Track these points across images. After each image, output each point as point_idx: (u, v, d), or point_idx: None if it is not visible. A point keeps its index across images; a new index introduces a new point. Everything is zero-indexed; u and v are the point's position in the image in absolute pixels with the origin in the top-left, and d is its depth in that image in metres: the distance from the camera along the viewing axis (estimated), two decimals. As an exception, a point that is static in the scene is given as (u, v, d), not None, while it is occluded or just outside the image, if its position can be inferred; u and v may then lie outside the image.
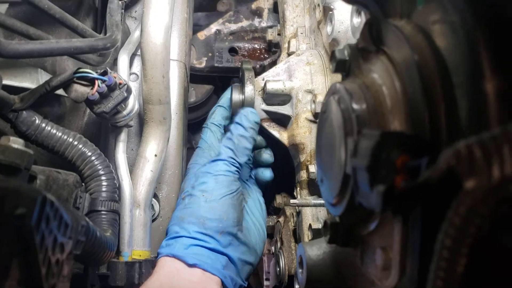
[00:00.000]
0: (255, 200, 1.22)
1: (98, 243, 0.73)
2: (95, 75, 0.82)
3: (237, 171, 1.11)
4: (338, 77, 1.10)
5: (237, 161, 1.11)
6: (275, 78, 1.17)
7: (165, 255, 1.00)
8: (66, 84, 0.82)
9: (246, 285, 1.10)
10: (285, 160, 1.46)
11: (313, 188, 1.14)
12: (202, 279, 0.98)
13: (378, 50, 0.56)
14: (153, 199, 1.10)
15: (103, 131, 1.12)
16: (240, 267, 1.06)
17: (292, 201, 1.02)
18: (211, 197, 1.06)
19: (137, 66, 1.16)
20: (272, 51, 1.60)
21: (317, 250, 0.74)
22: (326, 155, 0.61)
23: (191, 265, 0.99)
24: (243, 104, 1.20)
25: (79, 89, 0.82)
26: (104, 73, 0.84)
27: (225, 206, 1.06)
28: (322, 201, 0.99)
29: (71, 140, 0.86)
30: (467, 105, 0.43)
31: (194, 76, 1.56)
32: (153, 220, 1.12)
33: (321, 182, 0.63)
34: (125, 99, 0.87)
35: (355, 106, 0.53)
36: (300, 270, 0.77)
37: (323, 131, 0.63)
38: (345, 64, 0.59)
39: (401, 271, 0.50)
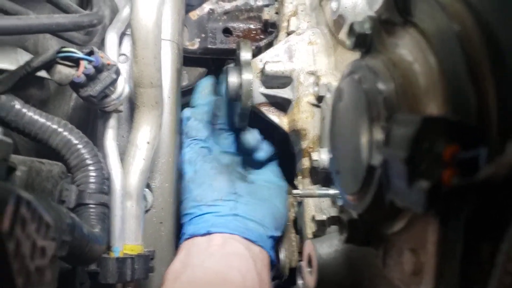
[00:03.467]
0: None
1: (86, 241, 0.66)
2: (80, 54, 0.74)
3: (202, 146, 1.17)
4: (343, 58, 1.04)
5: (196, 138, 1.18)
6: (275, 59, 1.09)
7: (182, 242, 1.07)
8: (49, 65, 0.74)
9: (279, 235, 1.15)
10: (283, 147, 1.39)
11: (316, 176, 1.07)
12: (221, 242, 1.02)
13: (406, 22, 0.48)
14: (146, 189, 1.03)
15: (91, 117, 1.04)
16: (258, 219, 1.08)
17: (294, 191, 0.95)
18: (195, 179, 1.12)
19: (126, 47, 1.07)
20: (268, 32, 1.51)
21: (328, 247, 0.68)
22: (344, 144, 0.54)
23: (205, 234, 1.04)
24: (240, 87, 1.12)
25: (63, 71, 0.74)
26: (91, 53, 0.76)
27: (211, 177, 1.11)
28: (327, 191, 0.93)
29: (55, 126, 0.78)
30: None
31: (186, 59, 1.47)
32: (146, 212, 1.04)
33: (337, 174, 0.56)
34: (114, 82, 0.79)
35: (381, 86, 0.46)
36: (309, 269, 0.70)
37: (339, 116, 0.56)
38: (366, 39, 0.52)
39: (437, 277, 0.43)
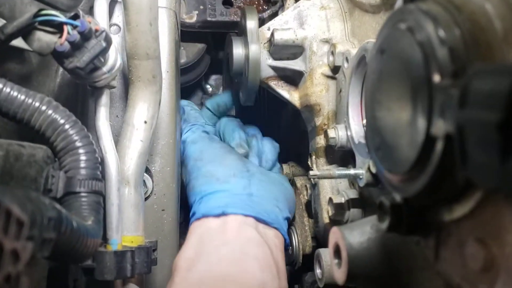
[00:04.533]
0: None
1: (76, 237, 0.56)
2: (63, 18, 0.64)
3: (204, 131, 1.13)
4: (361, 22, 0.93)
5: (196, 124, 1.14)
6: (284, 27, 0.99)
7: (192, 222, 0.99)
8: (26, 32, 0.63)
9: (290, 217, 1.09)
10: (292, 124, 1.29)
11: (332, 156, 0.98)
12: (235, 227, 0.95)
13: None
14: (145, 174, 0.93)
15: (81, 95, 0.94)
16: (272, 200, 1.02)
17: (311, 172, 0.85)
18: (203, 158, 1.05)
19: (118, 16, 0.97)
20: (272, 2, 1.41)
21: (359, 236, 0.58)
22: (387, 112, 0.44)
23: (219, 215, 0.96)
24: (246, 59, 1.02)
25: (43, 38, 0.64)
26: (75, 17, 0.65)
27: (221, 155, 1.05)
28: (348, 171, 0.83)
29: (37, 104, 0.67)
30: None
31: (183, 33, 1.36)
32: (146, 199, 0.95)
33: (377, 150, 0.46)
34: (104, 51, 0.69)
35: (444, 34, 0.36)
36: (336, 261, 0.61)
37: (379, 79, 0.46)
38: (414, -21, 0.41)
39: (520, 276, 0.34)
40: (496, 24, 0.34)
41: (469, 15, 0.36)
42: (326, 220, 0.98)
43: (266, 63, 1.02)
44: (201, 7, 1.39)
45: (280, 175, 1.14)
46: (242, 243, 0.92)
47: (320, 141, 0.98)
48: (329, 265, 0.84)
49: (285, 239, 1.04)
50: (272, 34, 0.97)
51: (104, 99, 0.81)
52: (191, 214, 1.01)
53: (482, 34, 0.35)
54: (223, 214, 0.96)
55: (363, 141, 0.83)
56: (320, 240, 1.07)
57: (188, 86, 1.52)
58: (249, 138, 1.14)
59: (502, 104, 0.26)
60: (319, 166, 1.00)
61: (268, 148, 1.14)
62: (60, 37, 0.64)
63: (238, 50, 1.02)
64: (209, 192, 0.99)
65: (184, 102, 1.20)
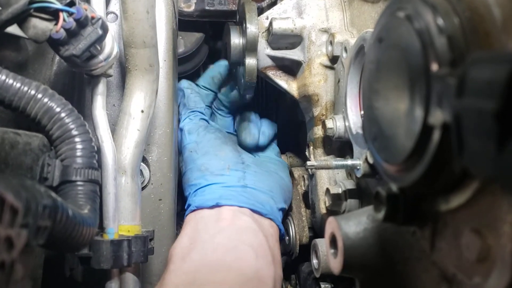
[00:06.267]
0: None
1: (72, 225, 0.56)
2: (58, 5, 0.63)
3: (202, 118, 1.12)
4: (360, 11, 0.92)
5: (195, 110, 1.12)
6: (282, 16, 0.98)
7: (188, 214, 0.99)
8: (21, 19, 0.62)
9: (287, 207, 1.09)
10: (289, 114, 1.29)
11: (330, 146, 0.98)
12: (230, 215, 0.95)
13: None
14: (142, 163, 0.93)
15: (77, 83, 0.93)
16: (267, 191, 1.02)
17: (309, 163, 0.85)
18: (198, 149, 1.05)
19: (115, 4, 0.96)
20: (271, -10, 1.40)
21: (355, 226, 0.58)
22: (384, 102, 0.43)
23: (213, 207, 0.97)
24: (244, 48, 1.01)
25: (39, 25, 0.63)
26: (71, 4, 0.65)
27: (216, 147, 1.05)
28: (345, 162, 0.83)
29: (33, 92, 0.66)
30: None
31: (181, 23, 1.35)
32: (142, 188, 0.94)
33: (374, 140, 0.46)
34: (101, 39, 0.68)
35: (443, 23, 0.35)
36: (332, 251, 0.60)
37: (377, 68, 0.45)
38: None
39: (516, 267, 0.34)
40: (495, 12, 0.34)
41: (468, 3, 0.36)
42: (323, 211, 0.98)
43: (264, 52, 1.02)
44: (199, -5, 1.38)
45: (277, 163, 1.14)
46: (237, 231, 0.92)
47: (318, 131, 0.98)
48: (326, 255, 0.85)
49: (280, 230, 1.04)
50: (270, 23, 0.97)
51: (101, 87, 0.81)
52: (186, 206, 1.02)
53: (481, 23, 0.35)
54: (217, 205, 0.96)
55: (360, 131, 0.83)
56: (317, 230, 1.08)
57: (186, 76, 1.51)
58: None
59: (499, 93, 0.26)
60: (316, 157, 1.00)
61: (266, 123, 1.15)
62: (56, 24, 0.63)
63: (236, 40, 1.01)
64: (203, 186, 1.00)
65: (185, 84, 1.18)
